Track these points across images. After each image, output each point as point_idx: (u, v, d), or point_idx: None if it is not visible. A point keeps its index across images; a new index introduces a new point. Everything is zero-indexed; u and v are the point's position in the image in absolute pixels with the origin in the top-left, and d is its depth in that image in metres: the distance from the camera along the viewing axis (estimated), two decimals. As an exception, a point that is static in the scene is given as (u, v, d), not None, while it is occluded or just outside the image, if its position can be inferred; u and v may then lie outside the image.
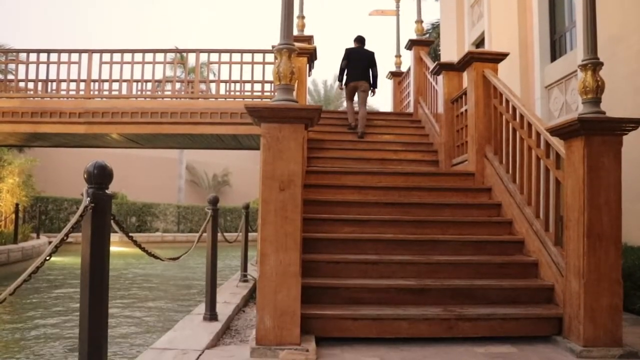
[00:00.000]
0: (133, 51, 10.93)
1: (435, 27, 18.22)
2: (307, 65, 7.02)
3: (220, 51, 10.92)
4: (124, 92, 11.07)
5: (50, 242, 2.01)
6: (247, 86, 11.20)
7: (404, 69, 10.81)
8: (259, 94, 10.99)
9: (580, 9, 4.01)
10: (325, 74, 50.18)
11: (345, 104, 9.22)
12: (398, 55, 11.12)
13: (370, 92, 8.83)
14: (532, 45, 9.43)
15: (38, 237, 17.46)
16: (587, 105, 3.86)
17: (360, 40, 9.01)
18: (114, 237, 2.32)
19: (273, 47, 3.96)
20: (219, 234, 4.92)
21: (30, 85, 11.41)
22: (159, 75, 11.35)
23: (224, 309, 4.84)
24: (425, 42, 9.76)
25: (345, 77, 8.84)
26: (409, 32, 9.95)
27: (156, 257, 3.04)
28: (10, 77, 12.07)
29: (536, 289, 4.44)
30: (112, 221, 2.24)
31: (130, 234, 2.61)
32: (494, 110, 5.96)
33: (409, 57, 9.74)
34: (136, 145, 13.14)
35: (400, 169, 6.83)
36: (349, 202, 5.56)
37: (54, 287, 11.17)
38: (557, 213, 4.44)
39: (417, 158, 7.58)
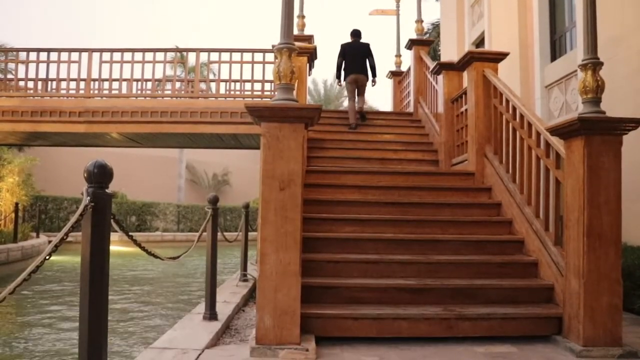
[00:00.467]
0: (133, 50, 10.93)
1: (436, 26, 18.22)
2: (307, 64, 7.02)
3: (220, 50, 10.92)
4: (124, 91, 11.07)
5: (50, 242, 2.02)
6: (247, 85, 11.20)
7: (404, 68, 10.81)
8: (259, 93, 11.00)
9: (581, 9, 4.00)
10: (325, 73, 50.22)
11: (347, 102, 9.23)
12: (398, 55, 11.12)
13: (371, 82, 8.97)
14: (532, 45, 9.43)
15: (38, 237, 17.46)
16: (587, 105, 3.86)
17: (356, 34, 9.08)
18: (114, 237, 2.32)
19: (273, 46, 3.96)
20: (219, 234, 4.91)
21: (30, 84, 11.41)
22: (159, 75, 11.37)
23: (223, 309, 4.84)
24: (426, 42, 9.75)
25: (343, 73, 8.93)
26: (409, 32, 9.96)
27: (156, 257, 3.04)
28: (10, 76, 12.06)
29: (536, 289, 4.44)
30: (112, 220, 2.24)
31: (130, 233, 2.61)
32: (494, 110, 5.96)
33: (409, 57, 9.74)
34: (136, 144, 13.14)
35: (400, 169, 6.83)
36: (349, 202, 5.56)
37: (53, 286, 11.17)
38: (557, 213, 4.44)
39: (417, 157, 7.58)
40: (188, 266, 14.92)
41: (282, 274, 3.62)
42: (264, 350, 3.53)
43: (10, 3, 66.47)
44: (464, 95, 6.67)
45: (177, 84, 12.61)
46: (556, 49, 9.07)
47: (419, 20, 9.93)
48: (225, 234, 6.32)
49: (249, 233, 7.52)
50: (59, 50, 10.94)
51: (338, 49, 9.05)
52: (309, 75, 7.61)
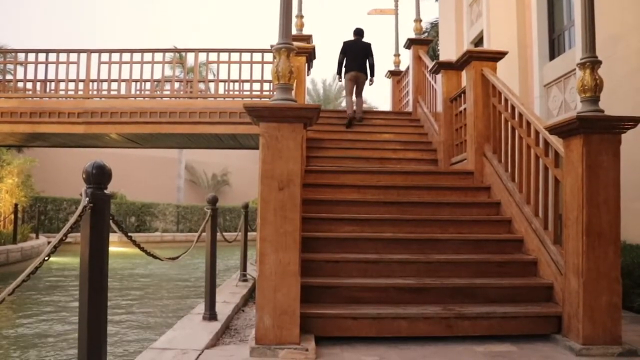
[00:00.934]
0: (132, 51, 10.93)
1: (434, 26, 18.22)
2: (306, 64, 7.02)
3: (219, 50, 10.92)
4: (122, 92, 11.06)
5: (49, 242, 2.01)
6: (246, 86, 11.20)
7: (402, 68, 10.81)
8: (258, 93, 10.99)
9: (579, 7, 4.01)
10: (324, 73, 50.28)
11: (345, 99, 9.41)
12: (397, 54, 11.12)
13: (369, 81, 9.17)
14: (531, 44, 9.44)
15: (37, 238, 17.46)
16: (586, 103, 3.86)
17: (358, 32, 9.27)
18: (114, 237, 2.32)
19: (272, 46, 3.96)
20: (218, 234, 4.91)
21: (29, 85, 11.40)
22: (157, 75, 11.34)
23: (223, 309, 4.84)
24: (424, 41, 9.76)
25: (343, 69, 9.15)
26: (408, 31, 9.96)
27: (155, 257, 3.03)
28: (9, 77, 12.06)
29: (535, 288, 4.44)
30: (111, 221, 2.24)
31: (130, 234, 2.61)
32: (493, 109, 5.96)
33: (407, 56, 9.74)
34: (135, 145, 13.13)
35: (399, 168, 6.83)
36: (348, 201, 5.56)
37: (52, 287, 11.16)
38: (556, 211, 4.44)
39: (416, 157, 7.59)
40: (187, 266, 14.91)
41: (281, 273, 3.62)
42: (263, 350, 3.53)
43: (10, 3, 66.50)
44: (462, 95, 6.67)
45: (176, 85, 12.61)
46: (555, 48, 9.08)
47: (418, 20, 9.94)
48: (224, 234, 6.32)
49: (249, 233, 7.53)
50: (58, 51, 10.93)
51: (337, 49, 9.24)
52: (308, 75, 7.61)
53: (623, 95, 6.44)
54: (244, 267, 7.17)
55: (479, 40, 12.16)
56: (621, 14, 6.81)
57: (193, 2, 78.18)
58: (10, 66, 12.73)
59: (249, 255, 7.54)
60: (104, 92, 11.31)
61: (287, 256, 3.64)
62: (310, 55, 7.07)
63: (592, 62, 3.82)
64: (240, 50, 10.77)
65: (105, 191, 2.18)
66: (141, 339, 7.04)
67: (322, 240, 4.84)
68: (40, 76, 11.10)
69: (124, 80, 11.05)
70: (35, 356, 6.25)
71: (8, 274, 11.85)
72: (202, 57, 11.41)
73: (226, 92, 11.28)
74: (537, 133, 4.78)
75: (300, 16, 8.48)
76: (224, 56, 10.89)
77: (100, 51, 10.96)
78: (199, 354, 3.52)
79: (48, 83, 11.27)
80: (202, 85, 13.06)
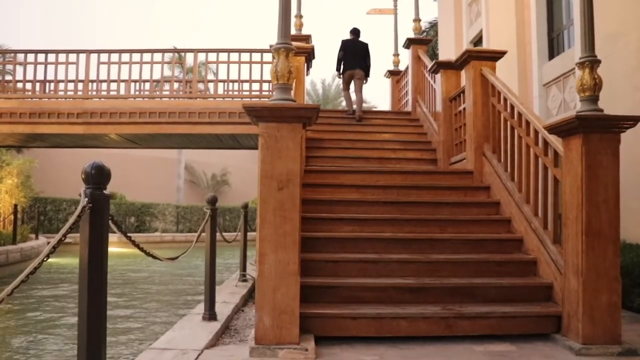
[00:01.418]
0: (131, 51, 10.92)
1: (433, 25, 18.21)
2: (305, 64, 7.02)
3: (218, 51, 10.91)
4: (122, 92, 11.05)
5: (49, 243, 2.01)
6: (245, 86, 11.18)
7: (402, 67, 10.81)
8: (257, 93, 10.98)
9: (578, 6, 4.01)
10: (323, 73, 50.23)
11: (345, 102, 9.76)
12: (396, 54, 11.12)
13: (364, 80, 9.44)
14: (530, 43, 9.44)
15: (37, 238, 17.44)
16: (585, 103, 3.86)
17: (355, 32, 9.60)
18: (113, 238, 2.32)
19: (271, 46, 3.96)
20: (218, 234, 4.91)
21: (28, 85, 11.39)
22: (157, 75, 11.34)
23: (223, 309, 4.84)
24: (423, 41, 9.76)
25: (342, 67, 9.48)
26: (407, 31, 9.96)
27: (155, 257, 3.03)
28: (8, 77, 12.05)
29: (535, 287, 4.45)
30: (110, 221, 2.23)
31: (129, 234, 2.61)
32: (492, 108, 5.96)
33: (407, 56, 9.74)
34: (134, 145, 13.13)
35: (398, 168, 6.83)
36: (348, 201, 5.56)
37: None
38: (555, 211, 4.44)
39: (415, 157, 7.59)
40: (187, 266, 14.91)
41: (281, 273, 3.62)
42: (263, 350, 3.53)
43: (10, 3, 66.52)
44: (462, 94, 6.67)
45: (176, 85, 12.61)
46: (554, 47, 9.08)
47: (417, 19, 9.94)
48: (224, 234, 6.32)
49: (248, 233, 7.52)
50: (57, 52, 10.92)
51: (336, 49, 9.49)
52: (307, 75, 7.61)
53: (622, 95, 6.44)
54: (243, 267, 7.17)
55: (478, 40, 12.16)
56: (620, 13, 6.81)
57: (193, 2, 78.21)
58: (9, 66, 12.72)
59: (249, 255, 7.54)
60: (104, 93, 11.31)
61: (287, 256, 3.64)
62: (309, 55, 7.07)
63: (591, 62, 3.82)
64: (240, 51, 10.77)
65: (105, 191, 2.18)
66: (140, 338, 7.04)
67: (322, 240, 4.84)
68: (40, 76, 11.09)
69: (123, 81, 11.04)
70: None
71: (7, 274, 11.85)
72: (202, 57, 11.42)
73: (225, 92, 11.28)
74: (536, 132, 4.78)
75: (299, 16, 8.48)
76: (223, 56, 10.89)
77: (99, 51, 10.95)
78: (199, 354, 3.52)
79: (47, 83, 11.26)
80: (201, 86, 13.06)
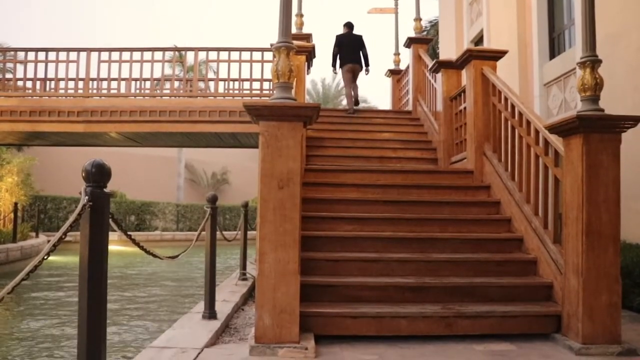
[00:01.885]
0: (132, 49, 10.92)
1: (434, 25, 18.20)
2: (306, 63, 7.02)
3: (218, 49, 10.91)
4: (122, 90, 11.05)
5: (49, 241, 2.01)
6: (246, 84, 11.20)
7: (402, 66, 10.81)
8: (258, 92, 10.99)
9: (579, 6, 4.01)
10: (323, 72, 50.06)
11: (344, 102, 9.85)
12: (397, 53, 11.12)
13: (365, 71, 9.71)
14: (531, 43, 9.43)
15: (37, 236, 17.44)
16: (586, 102, 3.86)
17: (349, 25, 9.77)
18: (113, 236, 2.32)
19: (271, 45, 3.96)
20: (218, 233, 4.91)
21: (29, 84, 11.40)
22: (157, 74, 11.33)
23: (223, 308, 4.84)
24: (424, 40, 9.75)
25: (338, 62, 9.68)
26: (408, 30, 9.95)
27: (155, 256, 3.03)
28: (8, 75, 12.05)
29: (535, 287, 4.45)
30: (110, 220, 2.23)
31: (129, 233, 2.61)
32: (493, 108, 5.96)
33: (407, 55, 9.74)
34: (135, 143, 13.13)
35: (399, 167, 6.83)
36: (348, 200, 5.55)
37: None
38: (556, 211, 4.44)
39: (416, 156, 7.59)
40: (187, 265, 14.92)
41: (281, 272, 3.62)
42: (263, 349, 3.53)
43: (11, 3, 66.54)
44: (462, 94, 6.67)
45: (176, 83, 12.61)
46: (555, 47, 9.07)
47: (418, 19, 9.93)
48: (224, 233, 6.32)
49: (248, 232, 7.53)
50: (58, 50, 10.92)
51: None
52: (308, 74, 7.61)
53: (623, 94, 6.44)
54: (243, 266, 7.17)
55: (479, 39, 12.16)
56: (621, 13, 6.81)
57: (193, 1, 78.20)
58: (10, 65, 12.73)
59: (249, 254, 7.54)
60: (104, 91, 11.31)
61: (287, 255, 3.64)
62: (310, 54, 7.07)
63: (592, 61, 3.82)
64: (240, 49, 10.77)
65: (105, 190, 2.18)
66: (140, 337, 7.04)
67: (322, 239, 4.84)
68: (40, 75, 11.10)
69: (123, 79, 11.04)
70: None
71: (8, 272, 11.85)
72: (202, 55, 11.41)
73: (226, 91, 11.29)
74: (537, 132, 4.78)
75: (300, 15, 8.47)
76: (223, 55, 10.89)
77: (100, 50, 10.95)
78: (199, 353, 3.52)
79: (48, 82, 11.27)
80: (202, 84, 13.05)
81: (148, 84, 11.32)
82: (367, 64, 9.65)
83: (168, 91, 12.19)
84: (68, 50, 10.91)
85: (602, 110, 3.83)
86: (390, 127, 8.65)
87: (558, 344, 3.88)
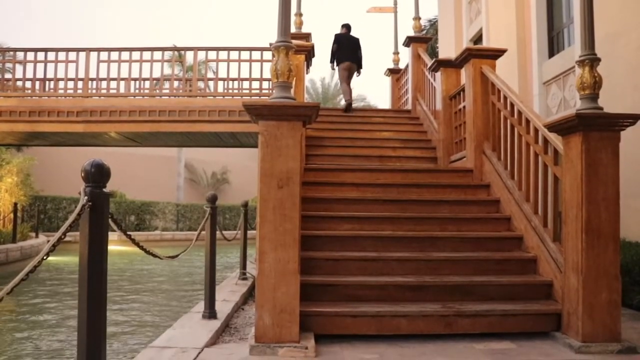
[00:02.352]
0: (131, 49, 10.92)
1: (433, 24, 18.20)
2: (305, 62, 7.02)
3: (218, 49, 10.91)
4: (122, 90, 11.05)
5: (49, 241, 2.01)
6: (245, 84, 11.20)
7: (402, 65, 10.80)
8: (257, 91, 10.99)
9: (578, 5, 4.01)
10: (323, 71, 50.11)
11: (344, 101, 10.25)
12: (396, 52, 11.12)
13: (356, 73, 10.13)
14: (530, 42, 9.43)
15: (37, 237, 17.44)
16: (585, 101, 3.86)
17: (348, 27, 10.17)
18: (113, 236, 2.32)
19: (271, 44, 3.96)
20: (218, 232, 4.91)
21: (28, 84, 11.41)
22: (157, 74, 11.32)
23: (223, 307, 4.84)
24: (423, 39, 9.75)
25: (336, 60, 10.04)
26: (407, 29, 9.96)
27: (154, 256, 3.03)
28: (8, 75, 12.04)
29: (535, 285, 4.45)
30: (110, 220, 2.23)
31: (129, 233, 2.61)
32: (492, 106, 5.96)
33: (406, 54, 9.74)
34: (134, 143, 13.13)
35: (398, 166, 6.83)
36: (348, 200, 5.55)
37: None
38: (555, 209, 4.44)
39: (415, 155, 7.58)
40: (187, 265, 14.92)
41: (281, 272, 3.63)
42: (263, 349, 3.53)
43: (11, 3, 66.57)
44: (462, 92, 6.67)
45: (175, 83, 12.60)
46: (554, 46, 9.07)
47: (417, 18, 9.93)
48: (224, 232, 6.31)
49: (248, 231, 7.53)
50: (57, 50, 10.92)
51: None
52: (307, 73, 7.61)
53: (622, 93, 6.44)
54: (243, 266, 7.17)
55: (478, 38, 12.15)
56: (620, 12, 6.80)
57: (193, 2, 78.18)
58: (9, 65, 12.72)
59: (249, 253, 7.54)
60: (103, 91, 11.31)
61: (287, 254, 3.64)
62: (309, 53, 7.07)
63: (591, 60, 3.82)
64: (240, 49, 10.77)
65: (104, 190, 2.18)
66: (140, 337, 7.04)
67: (322, 239, 4.84)
68: (40, 75, 11.10)
69: (123, 79, 11.04)
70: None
71: (7, 273, 11.85)
72: (201, 55, 11.42)
73: (225, 91, 11.29)
74: (536, 131, 4.78)
75: (299, 14, 8.46)
76: (223, 54, 10.89)
77: (99, 50, 10.95)
78: (199, 353, 3.53)
79: (47, 82, 11.27)
80: (201, 84, 13.06)
81: (147, 83, 11.32)
82: (360, 66, 10.10)
83: (167, 91, 12.19)
84: (67, 50, 10.90)
85: (601, 108, 3.83)
86: (389, 126, 8.65)
87: (558, 342, 3.88)
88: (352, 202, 5.51)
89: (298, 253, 3.69)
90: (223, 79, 11.38)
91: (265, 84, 10.95)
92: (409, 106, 9.48)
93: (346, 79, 10.02)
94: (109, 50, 10.95)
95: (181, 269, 14.52)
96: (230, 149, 16.28)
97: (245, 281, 6.75)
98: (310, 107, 3.88)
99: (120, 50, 10.93)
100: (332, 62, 10.13)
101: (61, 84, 11.19)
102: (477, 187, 6.01)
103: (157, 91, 11.52)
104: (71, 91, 11.02)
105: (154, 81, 11.35)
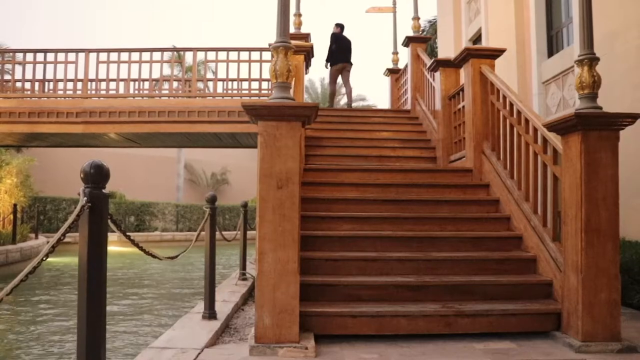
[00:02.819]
0: (130, 50, 10.93)
1: (433, 23, 18.20)
2: (304, 63, 7.01)
3: (217, 49, 10.92)
4: (121, 91, 11.06)
5: (48, 242, 2.01)
6: (245, 84, 11.21)
7: (401, 65, 10.80)
8: (257, 92, 11.00)
9: (577, 4, 4.01)
10: (322, 71, 49.98)
11: (344, 101, 10.45)
12: (395, 52, 11.12)
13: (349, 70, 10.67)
14: (530, 41, 9.43)
15: (36, 238, 17.43)
16: (584, 100, 3.86)
17: (342, 26, 10.56)
18: (113, 237, 2.33)
19: (270, 45, 3.96)
20: (218, 233, 4.91)
21: (28, 85, 11.41)
22: (156, 74, 11.33)
23: (223, 308, 4.84)
24: (423, 39, 9.75)
25: (331, 59, 10.48)
26: (406, 29, 9.98)
27: (154, 256, 3.03)
28: (7, 77, 12.04)
29: (535, 285, 4.45)
30: (109, 221, 2.23)
31: (128, 234, 2.61)
32: (492, 106, 5.96)
33: (406, 54, 9.74)
34: (134, 144, 13.13)
35: (398, 166, 6.83)
36: (347, 200, 5.55)
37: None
38: (555, 209, 4.44)
39: (415, 155, 7.59)
40: (187, 265, 14.92)
41: (280, 272, 3.62)
42: (263, 349, 3.53)
43: (13, 5, 66.64)
44: (461, 92, 6.67)
45: (175, 84, 12.61)
46: (553, 45, 9.07)
47: (416, 18, 9.92)
48: (223, 233, 6.31)
49: (248, 232, 7.52)
50: (56, 51, 10.93)
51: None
52: (306, 73, 7.61)
53: (621, 92, 6.44)
54: (243, 266, 7.17)
55: (477, 38, 12.16)
56: (619, 11, 6.81)
57: (193, 2, 78.18)
58: (8, 66, 12.72)
59: (249, 254, 7.54)
60: (103, 92, 11.31)
61: (286, 254, 3.64)
62: (308, 53, 7.06)
63: (590, 59, 3.82)
64: (239, 49, 10.77)
65: (104, 191, 2.18)
66: (140, 337, 7.04)
67: (321, 239, 4.84)
68: (39, 76, 11.11)
69: (122, 80, 11.05)
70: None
71: (7, 274, 11.84)
72: (201, 55, 11.43)
73: (225, 91, 11.29)
74: (535, 130, 4.78)
75: (298, 14, 8.46)
76: (222, 55, 10.90)
77: (98, 51, 10.96)
78: (199, 353, 3.52)
79: (46, 83, 11.28)
80: (200, 84, 13.05)
81: (147, 84, 11.33)
82: (350, 64, 10.68)
83: (167, 91, 12.19)
84: (67, 51, 10.91)
85: (601, 108, 3.83)
86: (389, 126, 8.66)
87: (558, 341, 3.88)
88: (352, 202, 5.51)
89: (298, 253, 3.69)
90: (222, 80, 11.38)
91: (264, 85, 10.96)
92: (408, 106, 9.48)
93: (335, 79, 10.46)
94: (108, 51, 10.96)
95: (181, 270, 14.51)
96: (229, 150, 16.29)
97: (245, 281, 6.75)
98: (309, 107, 3.88)
99: (119, 51, 10.94)
100: (328, 60, 10.36)
101: (60, 85, 11.20)
102: (476, 187, 6.01)
103: (157, 92, 11.52)
104: (70, 92, 11.03)
105: (154, 82, 11.35)
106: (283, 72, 3.79)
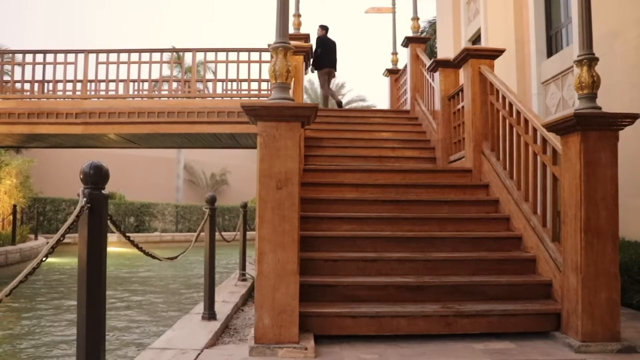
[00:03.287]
0: (129, 51, 10.93)
1: (432, 24, 18.22)
2: (304, 63, 7.02)
3: (216, 50, 10.92)
4: (120, 92, 11.06)
5: (48, 243, 2.02)
6: (244, 85, 11.22)
7: (400, 66, 10.81)
8: (256, 92, 11.01)
9: (576, 4, 4.01)
10: (322, 72, 49.98)
11: (322, 90, 10.94)
12: (394, 53, 11.13)
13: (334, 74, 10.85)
14: (529, 41, 9.44)
15: (36, 238, 17.42)
16: (583, 100, 3.86)
17: (326, 28, 10.56)
18: (113, 237, 2.33)
19: (269, 45, 3.96)
20: (217, 233, 4.91)
21: (27, 86, 11.41)
22: (155, 75, 11.33)
23: (222, 308, 4.84)
24: (422, 39, 9.76)
25: (318, 64, 10.45)
26: (406, 30, 10.02)
27: (154, 257, 3.03)
28: (6, 77, 12.04)
29: (534, 285, 4.45)
30: (109, 221, 2.23)
31: (128, 234, 2.61)
32: (491, 106, 5.96)
33: (405, 55, 9.75)
34: (133, 145, 13.13)
35: (397, 166, 6.83)
36: (347, 200, 5.55)
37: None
38: (554, 209, 4.44)
39: (414, 155, 7.59)
40: (187, 265, 14.91)
41: (280, 272, 3.62)
42: (262, 350, 3.53)
43: (14, 6, 66.70)
44: (460, 92, 6.67)
45: (174, 84, 12.62)
46: (552, 45, 9.08)
47: (415, 18, 9.93)
48: (223, 233, 6.31)
49: (248, 232, 7.52)
50: (55, 52, 10.93)
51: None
52: (305, 74, 7.62)
53: (620, 92, 6.45)
54: (243, 267, 7.17)
55: (476, 38, 12.16)
56: (618, 11, 6.81)
57: (193, 2, 78.21)
58: (8, 67, 12.72)
59: (248, 254, 7.54)
60: (102, 93, 11.32)
61: (286, 255, 3.64)
62: (307, 54, 7.07)
63: (589, 59, 3.82)
64: (238, 50, 10.78)
65: (103, 191, 2.18)
66: (140, 338, 7.04)
67: (321, 239, 4.84)
68: (38, 77, 11.11)
69: (121, 81, 11.05)
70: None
71: (7, 275, 11.84)
72: (200, 56, 11.42)
73: (224, 92, 11.30)
74: (535, 130, 4.78)
75: (297, 15, 8.47)
76: (221, 56, 10.90)
77: (97, 51, 10.96)
78: (198, 354, 3.52)
79: (46, 83, 11.28)
80: (200, 85, 13.06)
81: (146, 85, 11.34)
82: (335, 70, 10.71)
83: (166, 92, 12.19)
84: (66, 52, 10.92)
85: (600, 108, 3.83)
86: (388, 126, 8.66)
87: (558, 341, 3.88)
88: (351, 203, 5.51)
89: (297, 254, 3.69)
90: (222, 80, 11.38)
91: (264, 85, 10.97)
92: (407, 106, 9.48)
93: (326, 83, 10.43)
94: (108, 51, 10.97)
95: (181, 270, 14.50)
96: (229, 150, 16.28)
97: (244, 282, 6.75)
98: (308, 107, 3.88)
99: (119, 51, 10.94)
100: (314, 64, 10.27)
101: (60, 86, 11.20)
102: (476, 187, 6.01)
103: (156, 92, 11.52)
104: (70, 93, 11.04)
105: (153, 82, 11.35)
106: (282, 73, 3.79)
